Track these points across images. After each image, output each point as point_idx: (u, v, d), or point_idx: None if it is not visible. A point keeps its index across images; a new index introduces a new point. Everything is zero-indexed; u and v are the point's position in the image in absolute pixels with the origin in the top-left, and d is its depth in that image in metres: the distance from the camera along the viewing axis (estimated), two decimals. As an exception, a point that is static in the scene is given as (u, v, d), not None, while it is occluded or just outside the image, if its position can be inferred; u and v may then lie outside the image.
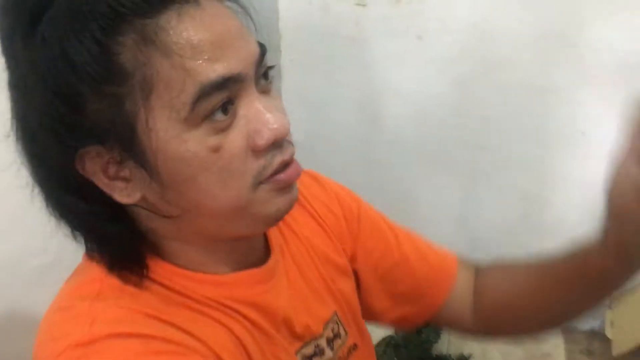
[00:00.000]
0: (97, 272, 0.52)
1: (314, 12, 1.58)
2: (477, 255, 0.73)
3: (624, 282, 0.57)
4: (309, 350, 0.62)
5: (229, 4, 0.52)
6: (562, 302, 0.64)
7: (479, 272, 0.73)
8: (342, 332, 0.67)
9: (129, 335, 0.47)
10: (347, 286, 0.69)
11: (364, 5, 1.50)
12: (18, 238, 1.06)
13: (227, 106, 0.48)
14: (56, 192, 0.51)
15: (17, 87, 0.49)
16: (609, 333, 1.56)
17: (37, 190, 0.52)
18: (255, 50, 0.51)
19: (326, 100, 1.69)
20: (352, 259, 0.71)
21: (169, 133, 0.47)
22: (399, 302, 0.72)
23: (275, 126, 0.49)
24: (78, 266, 0.56)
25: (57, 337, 0.49)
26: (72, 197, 0.50)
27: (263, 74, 0.52)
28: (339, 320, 0.67)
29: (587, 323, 1.61)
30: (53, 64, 0.45)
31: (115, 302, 0.50)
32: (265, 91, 0.52)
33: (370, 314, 0.73)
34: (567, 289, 0.63)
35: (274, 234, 0.63)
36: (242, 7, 0.53)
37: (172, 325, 0.50)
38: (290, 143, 0.53)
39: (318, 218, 0.69)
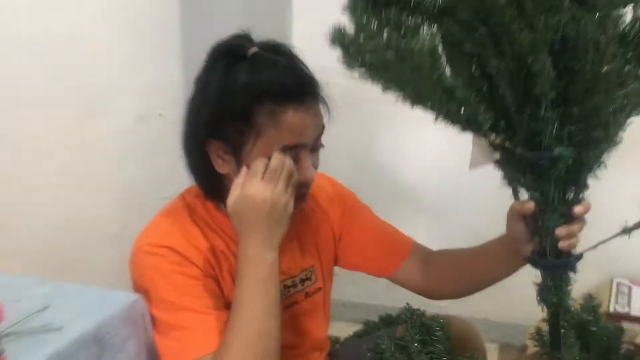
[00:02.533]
0: (190, 201, 0.99)
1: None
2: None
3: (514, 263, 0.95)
4: (287, 282, 1.04)
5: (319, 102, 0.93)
6: (480, 272, 1.05)
7: (430, 253, 1.12)
8: (313, 278, 1.08)
9: (161, 246, 0.92)
10: (328, 252, 1.11)
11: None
12: (94, 210, 1.46)
13: (295, 152, 0.91)
14: (192, 155, 0.96)
15: (196, 102, 0.94)
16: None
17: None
18: (319, 131, 0.94)
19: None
20: (339, 238, 1.12)
21: (255, 157, 0.90)
22: (366, 262, 1.13)
23: (309, 176, 0.93)
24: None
25: (138, 237, 0.96)
26: (198, 159, 0.95)
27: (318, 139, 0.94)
28: (314, 271, 1.08)
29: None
30: (228, 96, 0.89)
31: (176, 217, 0.97)
32: (315, 149, 0.95)
33: (345, 265, 1.14)
34: (482, 264, 1.04)
35: None
36: (327, 107, 0.95)
37: (194, 237, 0.95)
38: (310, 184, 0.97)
39: (324, 208, 1.11)
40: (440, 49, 0.72)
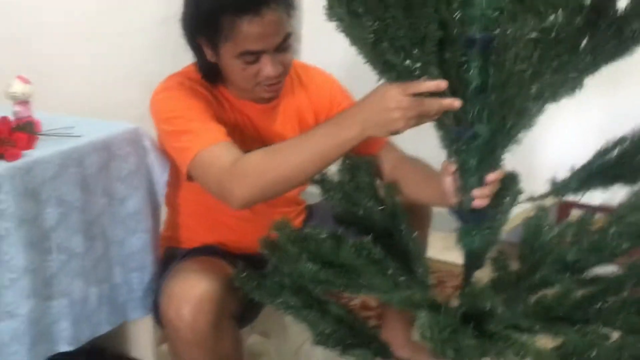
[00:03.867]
0: (191, 71, 1.24)
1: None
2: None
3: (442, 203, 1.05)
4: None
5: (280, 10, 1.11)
6: (420, 194, 1.18)
7: (401, 157, 1.28)
8: None
9: (172, 84, 1.22)
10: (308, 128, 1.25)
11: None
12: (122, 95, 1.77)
13: (254, 57, 1.13)
14: (190, 46, 1.20)
15: (185, 8, 1.17)
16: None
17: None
18: (281, 37, 1.13)
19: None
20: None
21: (227, 55, 1.14)
22: None
23: (267, 73, 1.15)
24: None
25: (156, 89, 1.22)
26: (194, 49, 1.20)
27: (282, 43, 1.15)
28: None
29: None
30: (201, 6, 1.13)
31: (186, 79, 1.22)
32: (282, 50, 1.15)
33: None
34: (425, 191, 1.16)
35: (286, 90, 1.29)
36: (288, 15, 1.14)
37: (197, 84, 1.22)
38: (280, 82, 1.21)
39: (312, 97, 1.33)
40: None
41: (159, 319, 1.22)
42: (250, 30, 1.09)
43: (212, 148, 1.09)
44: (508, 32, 0.80)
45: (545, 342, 0.88)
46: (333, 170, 1.17)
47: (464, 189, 0.97)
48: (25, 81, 1.14)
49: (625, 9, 0.83)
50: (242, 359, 1.23)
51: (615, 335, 0.91)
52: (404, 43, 0.83)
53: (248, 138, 1.24)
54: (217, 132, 1.12)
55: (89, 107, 1.51)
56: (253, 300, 1.11)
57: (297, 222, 1.42)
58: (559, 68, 0.82)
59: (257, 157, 1.06)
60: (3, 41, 1.54)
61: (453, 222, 1.01)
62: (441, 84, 0.85)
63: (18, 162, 1.00)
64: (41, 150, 1.06)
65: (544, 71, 0.82)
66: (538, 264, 1.07)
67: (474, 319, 0.81)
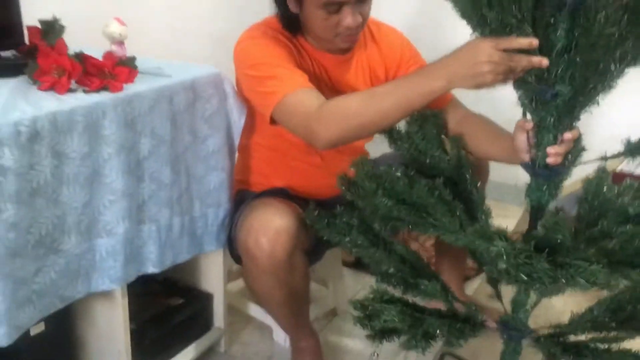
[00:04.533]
0: (273, 22, 1.32)
1: None
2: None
3: (513, 160, 1.10)
4: None
5: None
6: (487, 151, 1.22)
7: (466, 113, 1.32)
8: None
9: (258, 32, 1.30)
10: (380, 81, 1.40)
11: None
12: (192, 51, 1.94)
13: (337, 7, 1.20)
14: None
15: None
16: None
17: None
18: None
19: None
20: (393, 75, 1.40)
21: (310, 5, 1.21)
22: None
23: (348, 23, 1.22)
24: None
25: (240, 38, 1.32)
26: (279, 2, 1.28)
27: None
28: None
29: None
30: None
31: (269, 29, 1.30)
32: (361, 1, 1.21)
33: None
34: (493, 147, 1.20)
35: (359, 45, 1.37)
36: None
37: (281, 35, 1.30)
38: (358, 32, 1.28)
39: (384, 54, 1.40)
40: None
41: (234, 252, 1.31)
42: None
43: (297, 92, 1.17)
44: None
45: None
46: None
47: (540, 146, 1.01)
48: (122, 23, 1.23)
49: None
50: (309, 291, 1.32)
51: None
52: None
53: (323, 86, 1.31)
54: (300, 78, 1.20)
55: (168, 53, 1.62)
56: (321, 238, 1.19)
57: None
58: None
59: (346, 102, 1.13)
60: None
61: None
62: (534, 41, 0.89)
63: (120, 94, 1.09)
64: (138, 86, 1.14)
65: (630, 36, 0.85)
66: (598, 218, 1.11)
67: (546, 249, 0.86)
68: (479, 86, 0.98)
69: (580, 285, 0.84)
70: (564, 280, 0.83)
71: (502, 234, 0.90)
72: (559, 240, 0.87)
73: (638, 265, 0.96)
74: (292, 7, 1.25)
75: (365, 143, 1.49)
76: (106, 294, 1.17)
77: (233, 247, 1.32)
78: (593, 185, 1.16)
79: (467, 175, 1.16)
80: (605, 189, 1.13)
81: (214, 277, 1.47)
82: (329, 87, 1.33)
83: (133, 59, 1.17)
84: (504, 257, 0.84)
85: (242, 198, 1.40)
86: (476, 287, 1.81)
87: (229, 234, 1.35)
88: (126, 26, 1.24)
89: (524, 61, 0.91)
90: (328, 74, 1.34)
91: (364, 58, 1.38)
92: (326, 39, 1.27)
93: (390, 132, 1.24)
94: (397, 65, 1.39)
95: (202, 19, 2.02)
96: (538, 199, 1.04)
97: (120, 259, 1.13)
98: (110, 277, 1.13)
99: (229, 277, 1.57)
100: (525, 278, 0.84)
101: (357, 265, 1.90)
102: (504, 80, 0.97)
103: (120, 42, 1.23)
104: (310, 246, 1.28)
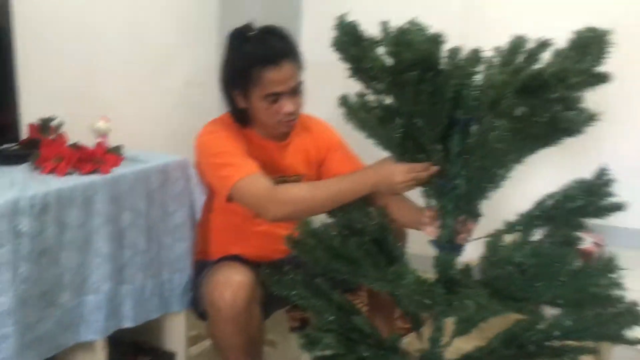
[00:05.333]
0: (226, 118, 1.60)
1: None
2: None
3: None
4: (280, 180, 1.58)
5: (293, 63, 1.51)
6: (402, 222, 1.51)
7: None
8: (300, 180, 1.67)
9: (215, 129, 1.58)
10: (312, 169, 1.71)
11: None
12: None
13: (276, 97, 1.50)
14: (225, 97, 1.58)
15: (222, 68, 1.56)
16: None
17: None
18: (296, 83, 1.53)
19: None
20: (321, 162, 1.72)
21: (255, 99, 1.51)
22: None
23: (286, 110, 1.53)
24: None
25: (197, 136, 1.59)
26: (228, 99, 1.58)
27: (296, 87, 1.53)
28: (301, 178, 1.68)
29: None
30: (236, 63, 1.52)
31: (224, 125, 1.59)
32: (294, 93, 1.53)
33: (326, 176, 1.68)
34: (406, 219, 1.50)
35: (295, 133, 1.67)
36: (299, 67, 1.54)
37: (235, 130, 1.59)
38: (296, 118, 1.58)
39: (315, 140, 1.71)
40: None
41: (199, 309, 1.54)
42: (272, 77, 1.47)
43: (250, 177, 1.47)
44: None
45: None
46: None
47: (442, 226, 1.28)
48: (107, 120, 1.51)
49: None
50: (263, 341, 1.55)
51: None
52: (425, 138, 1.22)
53: (269, 167, 1.62)
54: (252, 165, 1.50)
55: (139, 144, 1.91)
56: (273, 293, 1.45)
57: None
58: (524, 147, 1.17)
59: (294, 189, 1.47)
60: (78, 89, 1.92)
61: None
62: (432, 168, 1.27)
63: (108, 176, 1.35)
64: (121, 169, 1.41)
65: (516, 145, 1.18)
66: (491, 266, 1.42)
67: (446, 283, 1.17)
68: (395, 194, 1.43)
69: (468, 309, 1.14)
70: (456, 303, 1.13)
71: (411, 272, 1.20)
72: (452, 275, 1.18)
73: (519, 298, 1.27)
74: (241, 103, 1.56)
75: None
76: (89, 345, 1.36)
77: (198, 305, 1.54)
78: (491, 244, 1.48)
79: (389, 238, 1.47)
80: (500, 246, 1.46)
81: (176, 337, 1.67)
82: (274, 169, 1.63)
83: (119, 148, 1.45)
84: (413, 285, 1.14)
85: (202, 266, 1.64)
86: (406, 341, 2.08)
87: (193, 295, 1.58)
88: (110, 122, 1.52)
89: (424, 175, 1.29)
90: (272, 158, 1.65)
91: (300, 144, 1.70)
92: (271, 125, 1.58)
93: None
94: (327, 149, 1.73)
95: (163, 117, 2.34)
96: (443, 265, 1.30)
97: (103, 313, 1.34)
98: (94, 329, 1.33)
99: (191, 341, 1.77)
100: (428, 302, 1.13)
101: (302, 329, 2.13)
102: (413, 188, 1.34)
103: (105, 135, 1.51)
104: (265, 299, 1.53)
